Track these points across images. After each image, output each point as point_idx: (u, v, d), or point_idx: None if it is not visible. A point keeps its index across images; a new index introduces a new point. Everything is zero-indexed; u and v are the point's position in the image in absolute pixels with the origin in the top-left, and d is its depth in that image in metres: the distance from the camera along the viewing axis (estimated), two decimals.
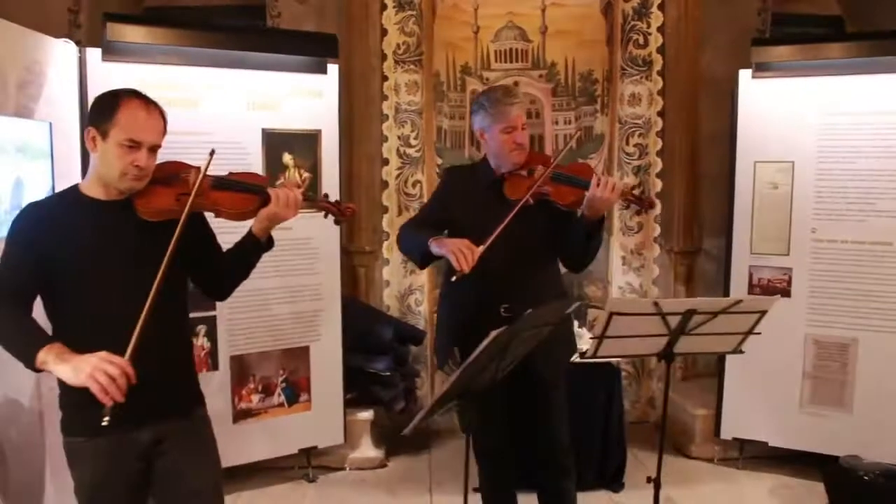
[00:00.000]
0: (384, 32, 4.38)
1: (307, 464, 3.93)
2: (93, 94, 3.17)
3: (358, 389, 4.08)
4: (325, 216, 2.39)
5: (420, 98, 4.46)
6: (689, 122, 4.43)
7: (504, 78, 4.72)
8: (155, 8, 4.65)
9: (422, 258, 2.76)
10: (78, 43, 3.35)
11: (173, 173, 2.19)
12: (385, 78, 4.41)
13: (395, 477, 3.98)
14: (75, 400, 2.08)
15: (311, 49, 3.73)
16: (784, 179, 3.81)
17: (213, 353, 3.61)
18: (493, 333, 1.78)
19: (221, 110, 3.55)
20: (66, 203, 2.11)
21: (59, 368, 1.85)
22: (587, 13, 4.66)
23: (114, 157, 2.03)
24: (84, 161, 3.23)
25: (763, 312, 2.20)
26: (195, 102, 3.49)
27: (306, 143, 3.78)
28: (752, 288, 3.88)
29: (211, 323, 3.60)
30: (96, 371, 1.80)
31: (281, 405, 3.84)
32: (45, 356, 1.86)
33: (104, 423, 1.80)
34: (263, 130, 3.66)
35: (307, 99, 3.76)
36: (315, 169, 3.81)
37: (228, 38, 3.56)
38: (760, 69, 3.78)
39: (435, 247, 2.64)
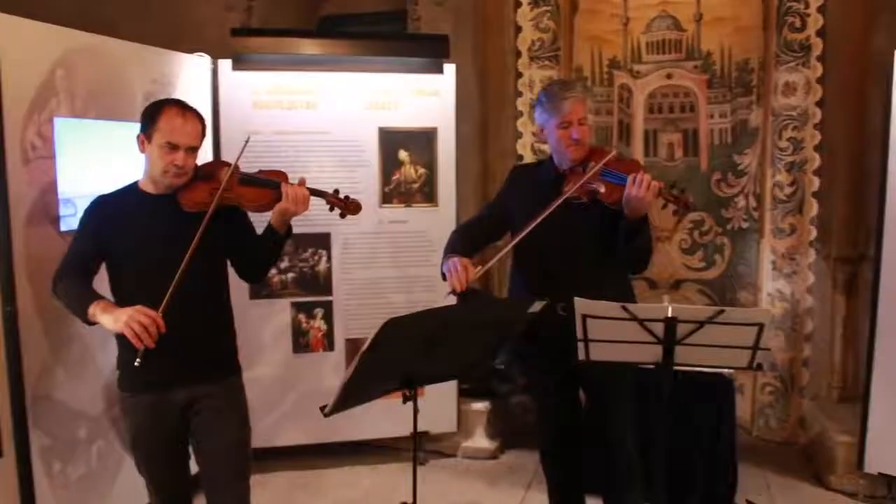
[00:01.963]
0: (518, 29, 4.40)
1: (420, 447, 4.10)
2: (224, 100, 3.64)
3: (475, 380, 4.18)
4: (331, 209, 2.54)
5: None
6: (853, 112, 3.91)
7: (656, 71, 4.54)
8: (326, 18, 5.10)
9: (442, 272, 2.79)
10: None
11: (213, 170, 2.47)
12: (519, 75, 4.43)
13: (501, 469, 4.02)
14: (125, 360, 2.45)
15: (425, 51, 3.89)
16: None
17: (328, 334, 3.92)
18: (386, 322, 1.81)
19: (340, 111, 3.83)
20: (126, 196, 2.47)
21: (103, 318, 2.18)
22: None
23: (157, 158, 2.35)
24: (216, 159, 3.69)
25: (760, 325, 1.95)
26: (315, 104, 3.81)
27: (422, 140, 3.95)
28: None
29: (327, 307, 3.91)
30: (131, 320, 2.11)
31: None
32: (94, 310, 2.20)
33: (136, 364, 2.12)
34: (380, 129, 3.89)
35: (424, 98, 3.93)
36: (431, 165, 3.97)
37: (347, 44, 3.85)
38: None
39: (443, 264, 2.66)
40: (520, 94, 4.46)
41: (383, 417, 4.04)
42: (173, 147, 2.34)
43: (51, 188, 2.79)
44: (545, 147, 4.46)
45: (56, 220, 2.79)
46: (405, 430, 4.05)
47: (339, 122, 3.83)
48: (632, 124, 4.63)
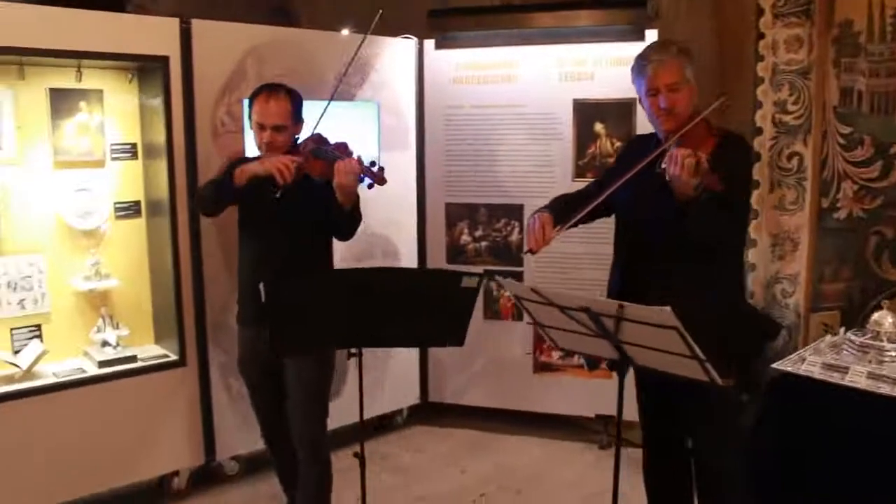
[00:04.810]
0: None
1: (603, 430, 3.98)
2: (428, 77, 3.97)
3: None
4: (360, 180, 2.66)
5: (804, 56, 3.76)
6: None
7: None
8: None
9: None
10: None
11: (303, 145, 2.81)
12: (761, 36, 3.87)
13: None
14: (238, 299, 2.95)
15: (622, 18, 3.68)
16: None
17: (517, 304, 4.00)
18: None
19: (535, 83, 3.86)
20: None
21: (250, 167, 2.66)
22: None
23: (255, 136, 2.81)
24: (420, 133, 4.04)
25: (676, 328, 1.57)
26: (511, 78, 3.89)
27: (620, 111, 3.77)
28: None
29: (518, 278, 3.99)
30: (278, 161, 2.59)
31: (581, 367, 3.98)
32: (237, 171, 2.68)
33: (278, 195, 2.63)
34: (574, 101, 3.81)
35: (622, 68, 3.70)
36: (629, 138, 3.75)
37: (542, 15, 3.83)
38: None
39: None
40: (761, 57, 3.88)
41: (561, 395, 4.03)
42: (261, 127, 2.74)
43: (237, 157, 3.41)
44: (787, 118, 3.90)
45: None
46: (585, 410, 4.00)
47: (533, 95, 3.87)
48: None
